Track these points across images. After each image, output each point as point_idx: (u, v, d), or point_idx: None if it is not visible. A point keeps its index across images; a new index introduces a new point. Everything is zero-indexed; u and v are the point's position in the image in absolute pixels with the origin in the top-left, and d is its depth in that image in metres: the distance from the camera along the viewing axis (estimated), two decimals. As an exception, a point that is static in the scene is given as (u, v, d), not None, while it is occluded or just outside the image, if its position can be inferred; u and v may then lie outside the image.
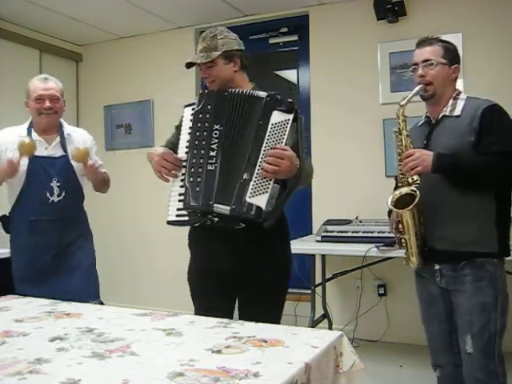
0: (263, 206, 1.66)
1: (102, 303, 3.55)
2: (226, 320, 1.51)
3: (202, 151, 1.77)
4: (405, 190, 1.92)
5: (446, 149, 1.87)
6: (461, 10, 3.50)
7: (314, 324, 3.40)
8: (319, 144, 3.94)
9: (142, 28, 4.45)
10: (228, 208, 1.70)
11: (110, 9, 3.98)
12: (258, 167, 1.68)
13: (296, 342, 1.28)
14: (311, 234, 3.79)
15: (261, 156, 1.69)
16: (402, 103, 1.99)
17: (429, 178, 1.89)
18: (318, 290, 3.60)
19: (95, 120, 4.78)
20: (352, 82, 3.85)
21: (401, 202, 1.92)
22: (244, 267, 1.89)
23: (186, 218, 1.80)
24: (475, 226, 1.87)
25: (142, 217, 4.54)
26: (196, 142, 1.79)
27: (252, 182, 1.68)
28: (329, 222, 3.42)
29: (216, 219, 1.77)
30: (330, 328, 3.61)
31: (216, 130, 1.78)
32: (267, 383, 1.01)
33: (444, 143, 1.90)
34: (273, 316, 1.88)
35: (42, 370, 1.10)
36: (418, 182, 1.90)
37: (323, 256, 3.58)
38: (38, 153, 2.40)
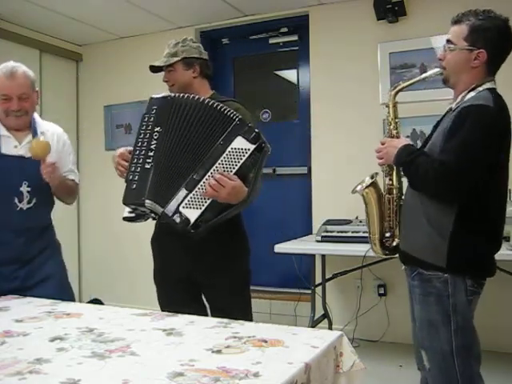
0: (191, 220, 1.71)
1: (101, 303, 3.54)
2: (225, 320, 1.51)
3: (143, 151, 1.83)
4: (367, 180, 1.94)
5: (429, 146, 1.80)
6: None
7: (314, 324, 3.40)
8: (319, 144, 3.95)
9: (142, 28, 4.45)
10: (161, 209, 1.75)
11: (110, 9, 3.97)
12: (201, 183, 1.72)
13: (296, 342, 1.28)
14: (311, 234, 3.79)
15: (208, 174, 1.72)
16: (397, 88, 1.90)
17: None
18: (318, 290, 3.60)
19: (95, 120, 4.78)
20: (352, 82, 3.84)
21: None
22: (199, 267, 1.98)
23: (133, 215, 1.87)
24: (425, 234, 1.74)
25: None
26: (139, 144, 1.86)
27: (191, 194, 1.73)
28: (329, 222, 3.42)
29: (153, 215, 1.83)
30: (330, 328, 3.60)
31: (156, 131, 1.84)
32: (267, 383, 1.01)
33: (433, 138, 1.83)
34: (241, 301, 2.01)
35: (42, 370, 1.10)
36: (390, 172, 1.93)
37: (323, 256, 3.58)
38: (5, 151, 2.09)
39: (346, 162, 3.82)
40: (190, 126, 1.79)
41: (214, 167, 1.72)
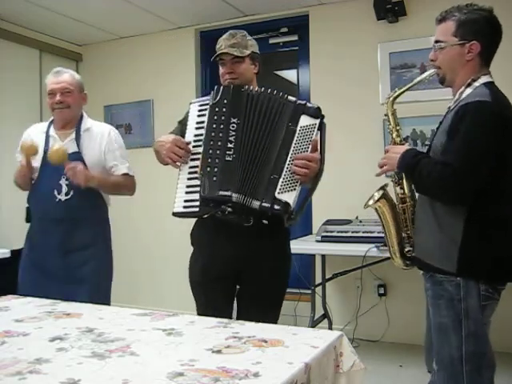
0: (291, 202, 1.75)
1: (101, 303, 3.51)
2: (225, 320, 1.51)
3: (219, 143, 1.82)
4: (379, 192, 1.92)
5: (432, 148, 1.78)
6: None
7: (314, 324, 3.40)
8: (319, 144, 3.95)
9: (142, 28, 4.45)
10: (258, 203, 1.76)
11: (110, 9, 3.98)
12: (287, 166, 1.77)
13: (296, 342, 1.27)
14: (311, 234, 3.79)
15: (290, 156, 1.78)
16: (394, 95, 1.90)
17: None
18: (318, 290, 3.60)
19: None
20: (352, 82, 3.85)
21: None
22: (250, 264, 1.93)
23: (196, 209, 1.83)
24: (436, 240, 1.71)
25: (140, 216, 4.54)
26: (212, 134, 1.83)
27: (281, 179, 1.76)
28: (329, 222, 3.42)
29: (230, 209, 1.80)
30: (330, 328, 3.61)
31: (233, 123, 1.83)
32: (267, 383, 1.01)
33: (434, 139, 1.80)
34: (272, 315, 1.90)
35: (42, 370, 1.10)
36: (401, 181, 1.88)
37: (323, 256, 3.58)
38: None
39: (346, 161, 3.82)
40: (264, 118, 1.82)
41: (292, 147, 1.78)
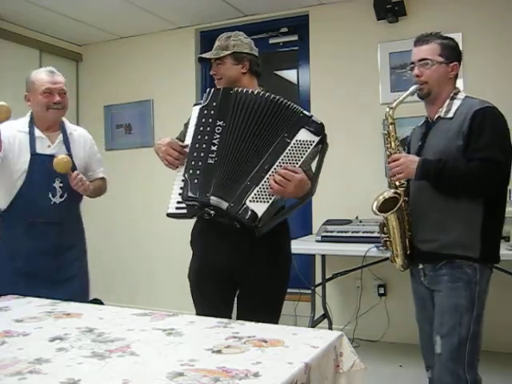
0: (259, 214, 1.69)
1: (102, 303, 3.55)
2: (225, 320, 1.51)
3: (204, 145, 1.80)
4: (388, 193, 1.96)
5: (437, 152, 1.86)
6: (461, 9, 3.50)
7: (314, 324, 3.40)
8: (319, 144, 3.95)
9: (142, 28, 4.45)
10: (226, 204, 1.72)
11: (110, 9, 3.98)
12: (267, 176, 1.71)
13: (296, 342, 1.27)
14: (311, 234, 3.80)
15: (274, 166, 1.72)
16: (393, 105, 1.97)
17: (418, 182, 1.91)
18: (318, 290, 3.61)
19: (95, 120, 4.78)
20: (352, 82, 3.85)
21: (387, 205, 1.94)
22: (243, 265, 1.91)
23: (185, 211, 1.82)
24: (458, 231, 1.84)
25: (141, 216, 4.54)
26: (198, 137, 1.82)
27: (257, 188, 1.71)
28: (329, 222, 3.42)
29: (212, 212, 1.78)
30: (330, 328, 3.61)
31: (219, 126, 1.80)
32: (267, 383, 1.01)
33: (435, 146, 1.90)
34: (271, 316, 1.89)
35: (42, 370, 1.10)
36: (404, 185, 1.95)
37: (323, 256, 3.58)
38: (39, 151, 2.31)
39: (346, 161, 3.82)
40: (252, 121, 1.77)
41: (280, 160, 1.72)
